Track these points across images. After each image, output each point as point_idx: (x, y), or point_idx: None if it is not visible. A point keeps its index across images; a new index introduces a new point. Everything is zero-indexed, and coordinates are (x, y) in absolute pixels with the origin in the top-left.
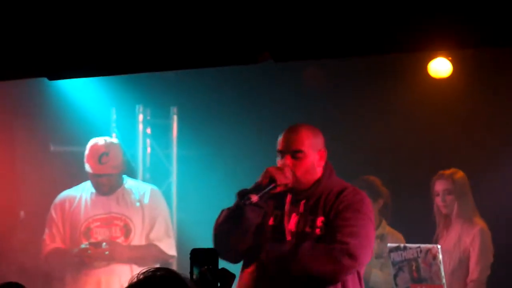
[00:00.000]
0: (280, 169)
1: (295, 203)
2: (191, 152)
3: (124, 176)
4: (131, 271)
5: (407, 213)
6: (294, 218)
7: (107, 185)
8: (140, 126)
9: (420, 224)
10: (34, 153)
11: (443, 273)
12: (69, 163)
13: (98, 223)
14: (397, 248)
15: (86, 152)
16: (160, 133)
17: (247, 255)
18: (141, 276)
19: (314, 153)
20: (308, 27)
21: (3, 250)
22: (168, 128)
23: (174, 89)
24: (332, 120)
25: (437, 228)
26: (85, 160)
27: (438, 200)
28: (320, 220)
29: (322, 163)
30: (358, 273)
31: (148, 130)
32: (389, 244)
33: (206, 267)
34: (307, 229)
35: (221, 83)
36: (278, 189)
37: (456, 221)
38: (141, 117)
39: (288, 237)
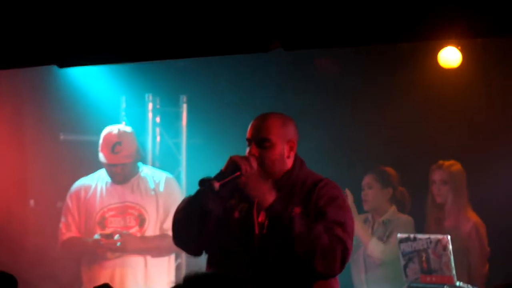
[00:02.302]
0: (245, 158)
1: None
2: (200, 140)
3: (140, 164)
4: (145, 262)
5: (415, 203)
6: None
7: (121, 174)
8: (150, 115)
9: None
10: (43, 142)
11: (453, 264)
12: (79, 152)
13: (113, 213)
14: (407, 239)
15: (100, 141)
16: (169, 122)
17: (212, 250)
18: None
19: (283, 143)
20: (317, 16)
21: (14, 238)
22: (178, 117)
23: (184, 78)
24: (341, 110)
25: (427, 218)
26: (99, 149)
27: (434, 189)
28: (297, 211)
29: (293, 154)
30: None
31: (158, 119)
32: (399, 235)
33: None
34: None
35: (230, 71)
36: (243, 179)
37: (450, 213)
38: (150, 105)
39: (257, 230)
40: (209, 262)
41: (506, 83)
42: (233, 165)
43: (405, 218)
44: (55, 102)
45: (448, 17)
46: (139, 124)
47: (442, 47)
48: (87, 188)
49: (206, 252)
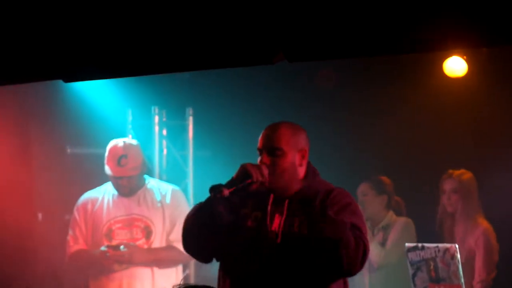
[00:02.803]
0: (257, 166)
1: (278, 203)
2: (207, 152)
3: (146, 176)
4: (152, 274)
5: (417, 210)
6: (277, 219)
7: (127, 187)
8: (156, 128)
9: (429, 222)
10: (51, 156)
11: (461, 273)
12: (86, 165)
13: (120, 225)
14: (415, 248)
15: (106, 154)
16: (176, 134)
17: (224, 259)
18: None
19: (294, 152)
20: (322, 27)
21: (22, 252)
22: (184, 129)
23: (190, 90)
24: (348, 120)
25: (443, 227)
26: (105, 162)
27: (444, 199)
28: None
29: (305, 163)
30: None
31: (164, 132)
32: (407, 244)
33: None
34: (295, 229)
35: (236, 84)
36: (254, 187)
37: (459, 220)
38: (157, 118)
39: (270, 239)
40: (221, 270)
41: (511, 91)
42: (244, 173)
43: (404, 220)
44: (61, 116)
45: (453, 26)
46: (145, 137)
47: (448, 57)
48: (94, 201)
49: (217, 260)
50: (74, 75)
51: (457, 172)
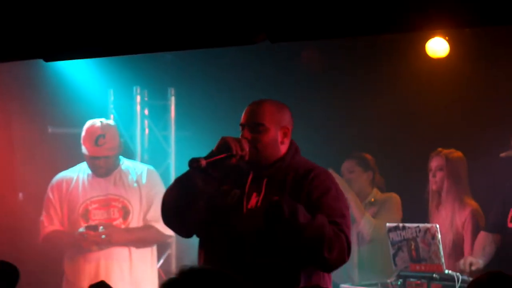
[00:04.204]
0: (237, 140)
1: (256, 181)
2: (189, 133)
3: (121, 157)
4: (129, 254)
5: (403, 191)
6: (254, 198)
7: (104, 167)
8: (138, 108)
9: (416, 203)
10: (32, 135)
11: (442, 253)
12: (68, 145)
13: (96, 205)
14: (395, 228)
15: (83, 134)
16: (158, 114)
17: (203, 235)
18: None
19: (276, 129)
20: (305, 7)
21: (10, 232)
22: (166, 109)
23: (172, 70)
24: (331, 101)
25: (429, 206)
26: (81, 142)
27: (430, 176)
28: None
29: (287, 141)
30: None
31: (146, 112)
32: (387, 224)
33: None
34: None
35: (218, 64)
36: (233, 160)
37: (446, 200)
38: (138, 98)
39: (245, 215)
40: (200, 246)
41: (493, 72)
42: (224, 145)
43: (394, 196)
44: (43, 96)
45: (435, 7)
46: (127, 117)
47: (429, 38)
48: (68, 181)
49: (197, 235)
50: (55, 54)
51: (446, 150)
